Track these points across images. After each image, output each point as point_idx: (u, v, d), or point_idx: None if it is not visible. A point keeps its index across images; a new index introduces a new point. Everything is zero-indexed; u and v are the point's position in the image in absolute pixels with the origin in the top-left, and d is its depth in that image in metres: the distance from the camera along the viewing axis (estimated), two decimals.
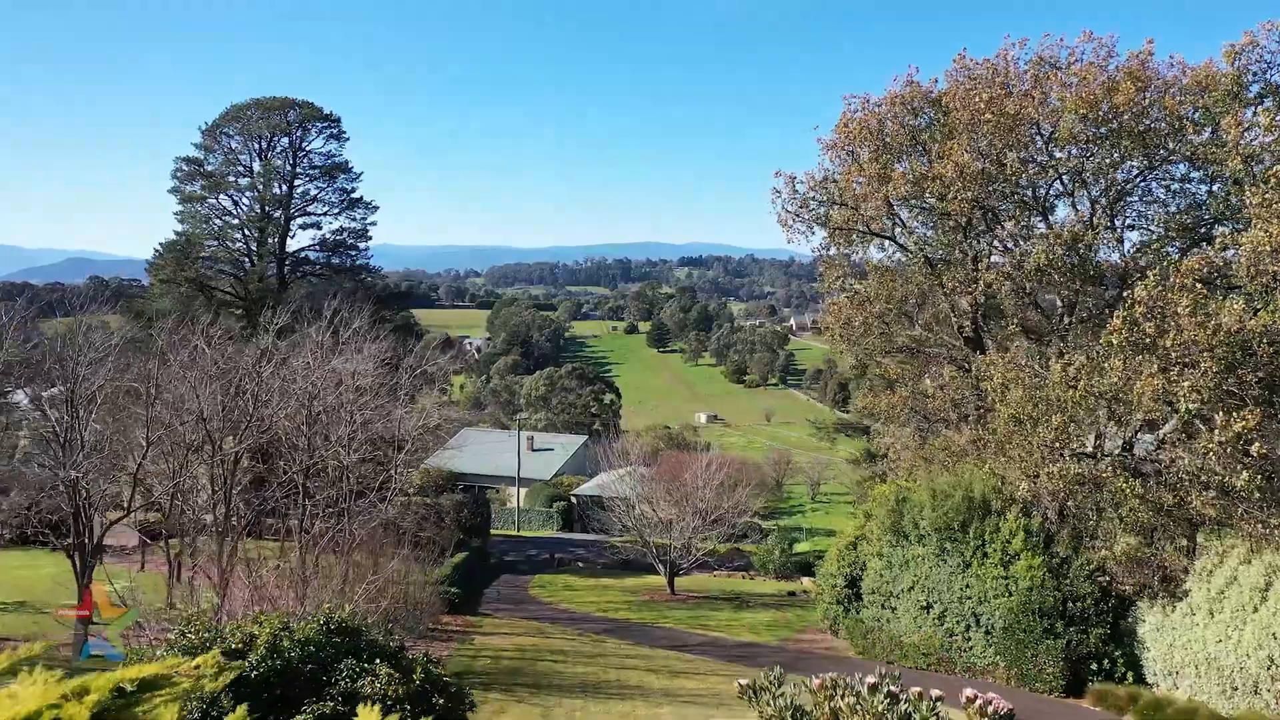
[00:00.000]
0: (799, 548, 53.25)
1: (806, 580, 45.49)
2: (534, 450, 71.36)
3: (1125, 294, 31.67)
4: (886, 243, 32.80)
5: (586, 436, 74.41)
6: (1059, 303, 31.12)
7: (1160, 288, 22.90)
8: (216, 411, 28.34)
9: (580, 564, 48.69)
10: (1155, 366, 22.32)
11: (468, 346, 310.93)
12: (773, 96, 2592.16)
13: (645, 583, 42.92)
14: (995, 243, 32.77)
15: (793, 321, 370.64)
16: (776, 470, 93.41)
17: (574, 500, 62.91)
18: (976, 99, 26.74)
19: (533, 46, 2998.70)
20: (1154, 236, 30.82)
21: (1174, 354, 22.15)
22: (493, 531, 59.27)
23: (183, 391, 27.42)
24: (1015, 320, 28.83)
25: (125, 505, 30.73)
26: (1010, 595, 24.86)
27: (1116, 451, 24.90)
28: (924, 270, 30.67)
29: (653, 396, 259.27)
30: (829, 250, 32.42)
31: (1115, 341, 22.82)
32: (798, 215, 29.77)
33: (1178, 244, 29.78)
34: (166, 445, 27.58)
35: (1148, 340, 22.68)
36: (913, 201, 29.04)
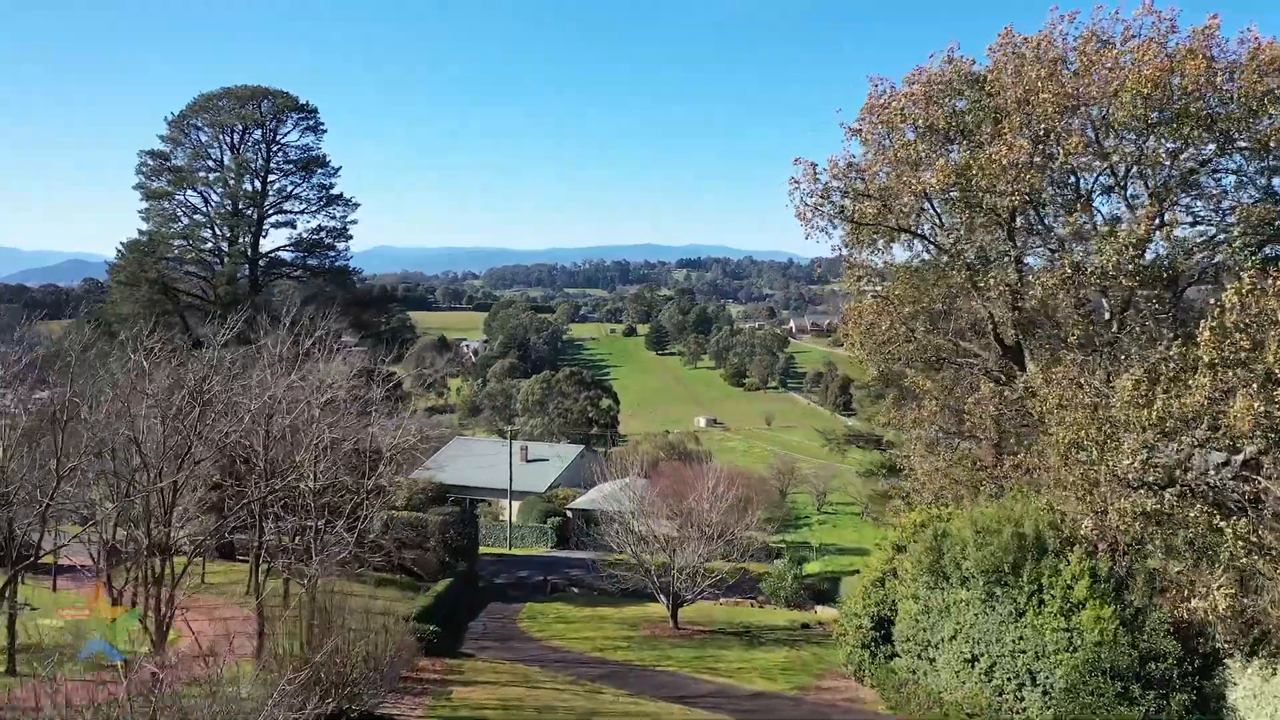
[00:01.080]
0: (809, 569, 49.73)
1: (821, 609, 41.93)
2: (528, 461, 67.77)
3: (1194, 298, 28.08)
4: (914, 241, 29.36)
5: (583, 447, 70.81)
6: (1105, 309, 27.61)
7: (1256, 291, 19.38)
8: (158, 434, 24.76)
9: (575, 589, 45.14)
10: (1254, 385, 18.80)
11: (465, 349, 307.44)
12: (772, 97, 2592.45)
13: (645, 613, 39.34)
14: (1037, 241, 29.28)
15: (792, 324, 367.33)
16: (780, 480, 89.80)
17: (569, 515, 59.37)
18: (1032, 75, 23.24)
19: (532, 47, 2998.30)
20: (1220, 233, 27.32)
21: (1277, 370, 18.64)
22: (483, 549, 55.67)
23: (113, 412, 23.82)
24: (1072, 329, 25.25)
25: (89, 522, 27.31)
26: (1074, 651, 21.31)
27: (1197, 481, 21.29)
28: (960, 272, 27.13)
29: (651, 400, 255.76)
30: (850, 249, 28.90)
31: (1205, 357, 19.28)
32: (818, 209, 26.23)
33: (1249, 240, 26.25)
34: (89, 475, 23.86)
35: (1242, 355, 19.17)
36: (951, 194, 25.50)
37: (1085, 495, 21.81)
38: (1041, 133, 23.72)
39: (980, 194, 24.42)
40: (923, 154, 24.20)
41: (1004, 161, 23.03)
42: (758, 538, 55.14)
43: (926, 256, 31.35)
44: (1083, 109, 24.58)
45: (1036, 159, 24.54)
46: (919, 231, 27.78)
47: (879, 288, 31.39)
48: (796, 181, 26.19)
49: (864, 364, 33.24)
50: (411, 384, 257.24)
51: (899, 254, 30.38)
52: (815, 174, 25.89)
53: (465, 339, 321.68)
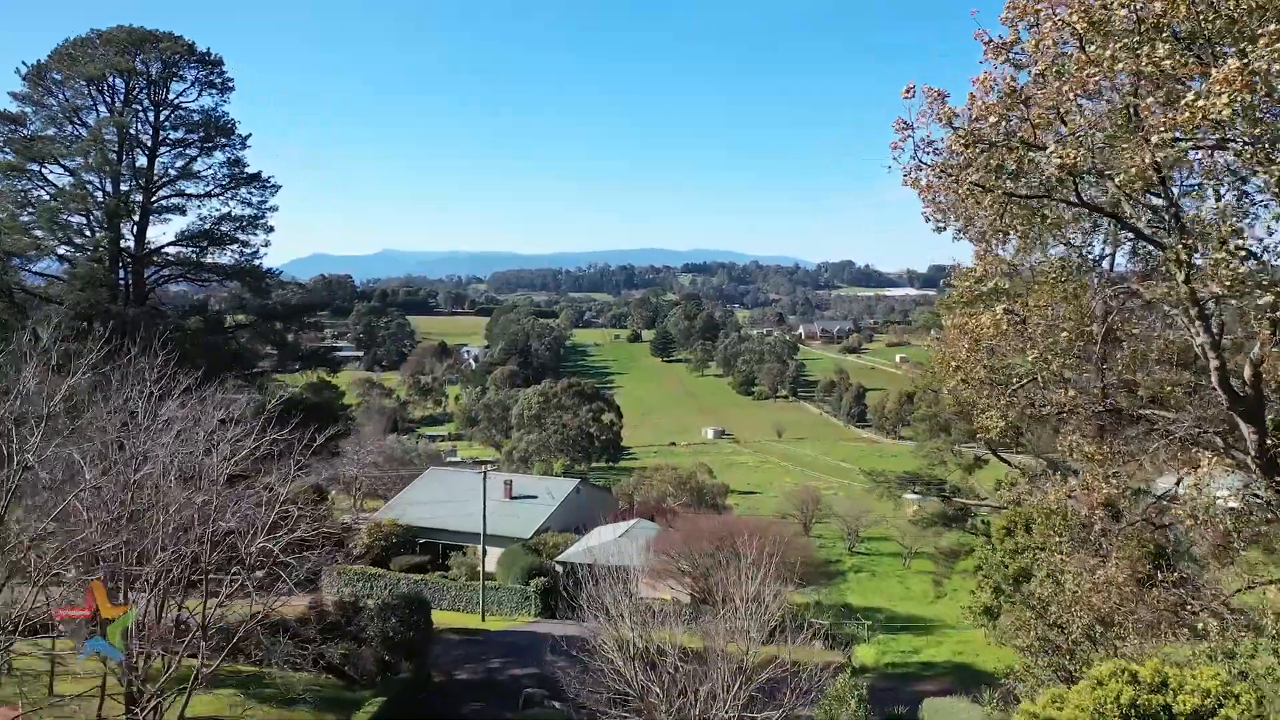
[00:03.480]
0: (861, 655, 38.97)
1: None
2: (512, 499, 57.04)
3: None
4: (1091, 230, 18.78)
5: (578, 481, 60.09)
6: None
7: None
8: None
9: (556, 703, 34.26)
10: None
11: (465, 355, 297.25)
12: (773, 100, 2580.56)
13: None
14: None
15: (801, 330, 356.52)
16: (803, 511, 78.90)
17: (559, 569, 48.60)
18: None
19: (535, 49, 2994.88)
20: None
21: None
22: (450, 619, 44.96)
23: None
24: None
25: None
26: None
27: None
28: (1180, 271, 16.36)
29: (656, 409, 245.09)
30: (987, 238, 18.17)
31: None
32: (948, 169, 15.54)
33: None
34: None
35: None
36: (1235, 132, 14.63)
37: None
38: None
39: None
40: (1169, 68, 13.27)
41: None
42: (799, 607, 44.43)
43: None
44: None
45: None
46: (1116, 212, 16.77)
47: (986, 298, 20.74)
48: (908, 126, 15.49)
49: (983, 411, 22.37)
50: (408, 391, 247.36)
51: (1054, 251, 19.71)
52: (947, 109, 15.25)
53: (466, 345, 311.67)
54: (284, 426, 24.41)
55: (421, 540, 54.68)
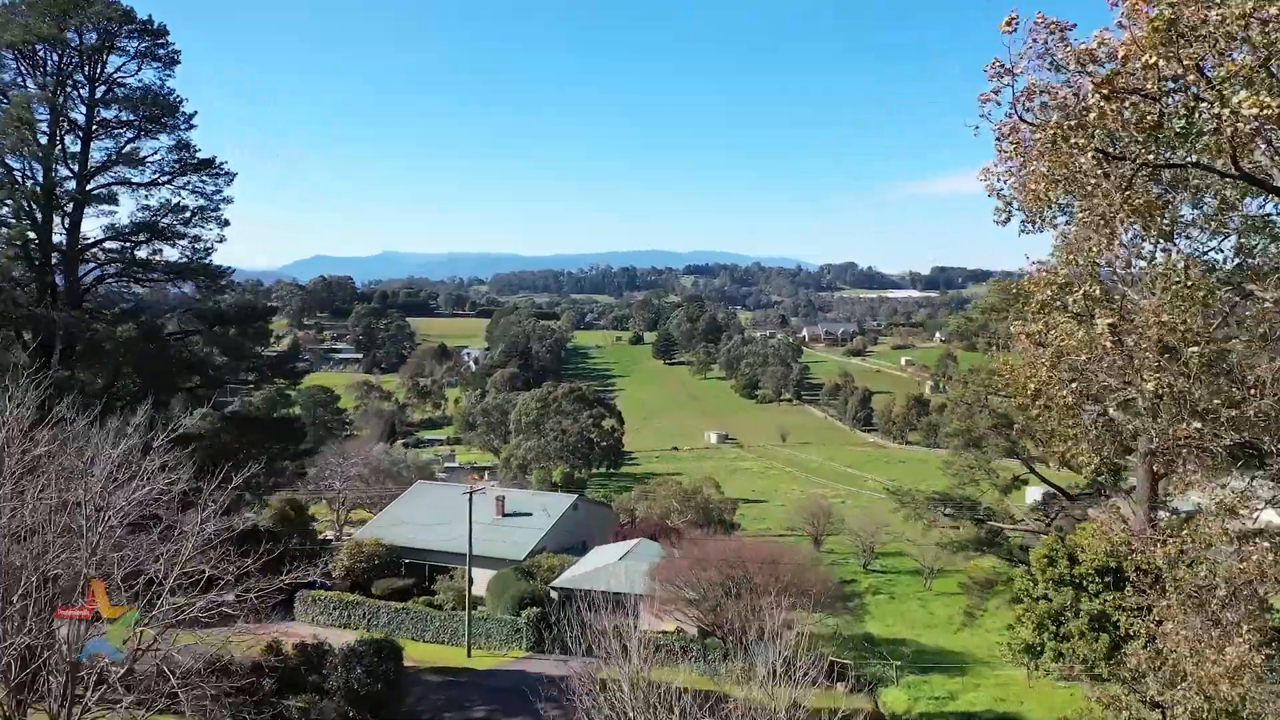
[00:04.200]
0: (891, 701, 34.79)
1: None
2: (505, 516, 52.87)
3: None
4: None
5: (576, 497, 55.94)
6: None
7: None
8: None
9: None
10: None
11: (465, 357, 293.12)
12: (774, 100, 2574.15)
13: None
14: None
15: (805, 332, 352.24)
16: (814, 525, 74.68)
17: (554, 595, 44.44)
18: None
19: (539, 52, 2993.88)
20: None
21: None
22: (433, 654, 40.90)
23: None
24: None
25: None
26: None
27: None
28: None
29: (659, 412, 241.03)
30: (1101, 225, 14.08)
31: None
32: (1082, 121, 11.35)
33: None
34: None
35: None
36: None
37: None
38: None
39: None
40: None
41: None
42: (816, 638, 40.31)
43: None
44: None
45: None
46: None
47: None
48: (1007, 72, 11.33)
49: (1068, 443, 18.17)
50: (407, 394, 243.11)
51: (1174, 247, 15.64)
52: (1077, 48, 11.05)
53: (466, 347, 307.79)
54: (226, 449, 20.17)
55: (406, 561, 50.59)
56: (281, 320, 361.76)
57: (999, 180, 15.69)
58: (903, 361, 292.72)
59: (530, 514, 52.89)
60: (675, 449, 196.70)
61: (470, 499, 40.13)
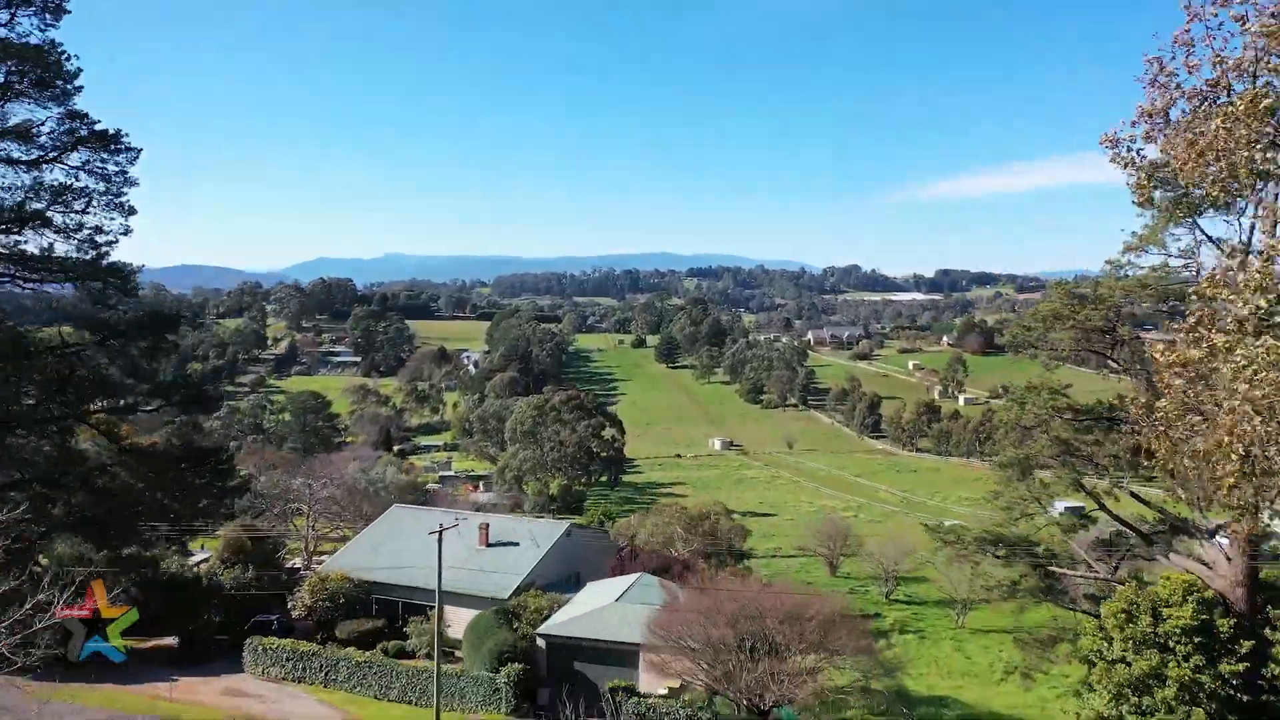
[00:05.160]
0: None
1: None
2: (489, 546, 47.27)
3: None
4: None
5: (569, 524, 50.36)
6: None
7: None
8: None
9: None
10: None
11: (465, 360, 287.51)
12: (774, 101, 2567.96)
13: None
14: None
15: (810, 336, 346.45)
16: (830, 547, 69.06)
17: (541, 643, 38.89)
18: None
19: (543, 55, 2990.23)
20: None
21: None
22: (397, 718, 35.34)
23: None
24: None
25: None
26: None
27: None
28: None
29: (661, 418, 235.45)
30: None
31: None
32: None
33: None
34: None
35: None
36: None
37: None
38: None
39: None
40: None
41: None
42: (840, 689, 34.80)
43: None
44: None
45: None
46: None
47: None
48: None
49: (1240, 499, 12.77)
50: (405, 398, 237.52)
51: None
52: None
53: (466, 350, 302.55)
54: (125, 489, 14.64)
55: (377, 598, 45.04)
56: (280, 323, 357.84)
57: (1133, 147, 10.57)
58: (910, 366, 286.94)
59: (517, 543, 47.32)
60: (679, 456, 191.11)
61: (440, 539, 34.59)
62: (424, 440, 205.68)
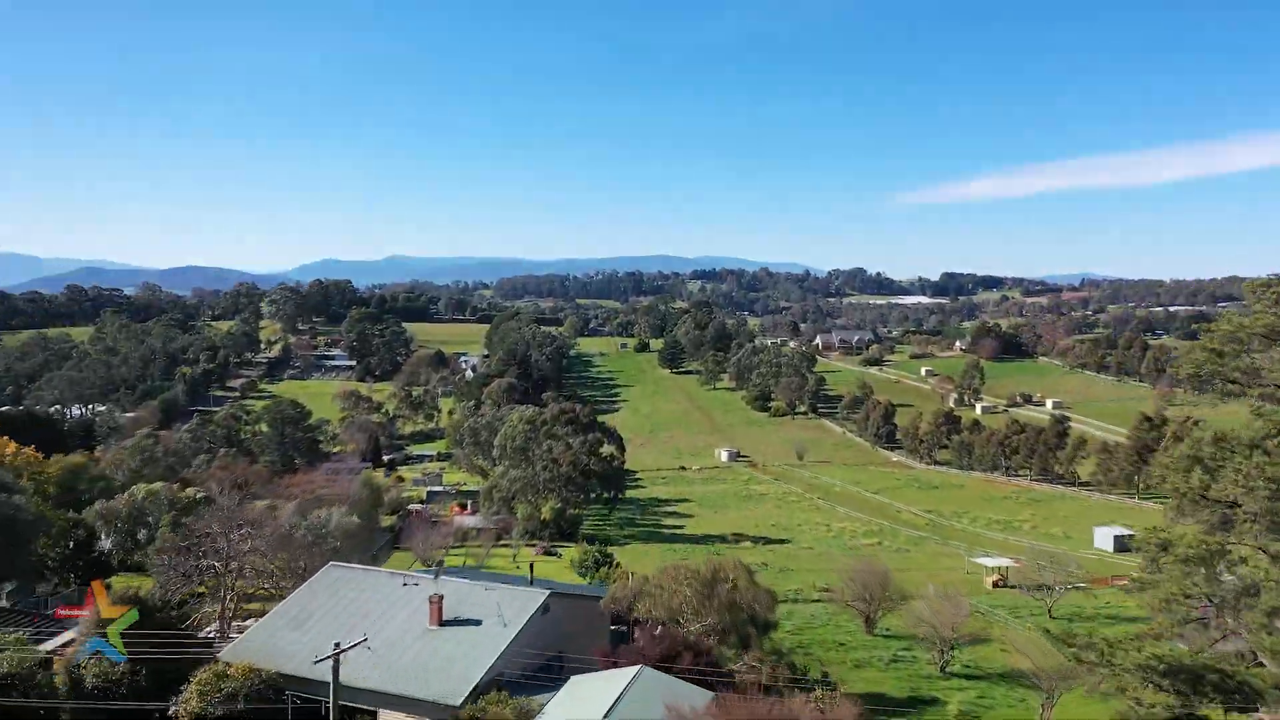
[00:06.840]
0: None
1: None
2: (442, 625, 36.69)
3: None
4: None
5: (548, 593, 39.71)
6: None
7: None
8: None
9: None
10: None
11: (463, 364, 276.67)
12: (775, 102, 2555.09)
13: None
14: None
15: (819, 340, 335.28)
16: (866, 600, 58.23)
17: None
18: None
19: (546, 58, 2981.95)
20: None
21: None
22: None
23: None
24: None
25: None
26: None
27: None
28: None
29: (665, 426, 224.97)
30: None
31: None
32: None
33: None
34: None
35: None
36: None
37: None
38: None
39: None
40: None
41: None
42: None
43: None
44: None
45: None
46: None
47: None
48: None
49: None
50: (398, 404, 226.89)
51: None
52: None
53: (465, 353, 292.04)
54: None
55: (296, 696, 34.47)
56: (275, 325, 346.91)
57: None
58: (923, 372, 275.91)
59: (479, 621, 36.71)
60: (683, 468, 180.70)
61: (335, 664, 24.01)
62: (417, 449, 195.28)
